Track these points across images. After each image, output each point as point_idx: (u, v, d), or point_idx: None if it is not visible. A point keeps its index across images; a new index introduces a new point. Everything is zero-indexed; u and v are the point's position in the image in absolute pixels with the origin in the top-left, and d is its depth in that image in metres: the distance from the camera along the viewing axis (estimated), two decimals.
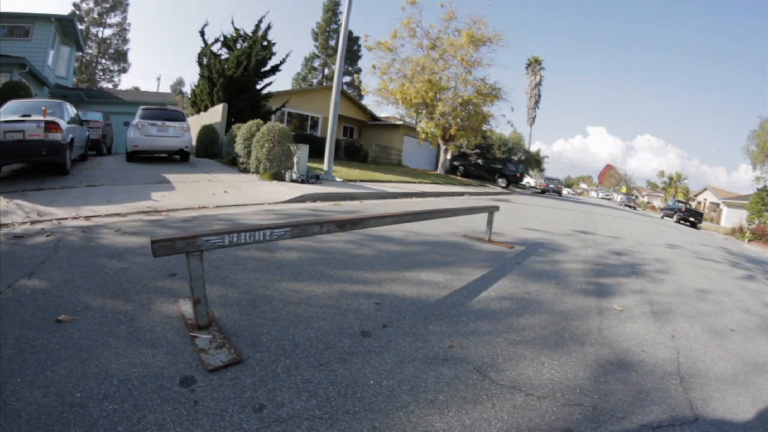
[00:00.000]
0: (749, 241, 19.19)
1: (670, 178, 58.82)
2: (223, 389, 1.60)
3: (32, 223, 4.05)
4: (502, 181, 24.43)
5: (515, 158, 38.51)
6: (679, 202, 29.30)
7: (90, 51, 42.21)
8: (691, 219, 24.39)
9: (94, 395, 1.49)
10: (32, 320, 2.01)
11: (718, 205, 38.99)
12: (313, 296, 2.70)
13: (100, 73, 44.58)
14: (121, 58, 45.09)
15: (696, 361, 2.57)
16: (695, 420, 1.86)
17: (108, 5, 43.25)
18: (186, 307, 2.22)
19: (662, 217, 28.01)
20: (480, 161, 24.99)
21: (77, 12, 40.87)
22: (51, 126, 6.44)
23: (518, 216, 9.52)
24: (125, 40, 45.20)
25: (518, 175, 25.03)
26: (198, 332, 1.94)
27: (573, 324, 2.83)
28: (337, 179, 10.90)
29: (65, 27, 19.10)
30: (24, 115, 6.69)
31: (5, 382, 1.52)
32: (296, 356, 1.92)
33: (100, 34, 43.53)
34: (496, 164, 25.51)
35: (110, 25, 44.05)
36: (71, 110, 8.68)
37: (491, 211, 5.20)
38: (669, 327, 3.11)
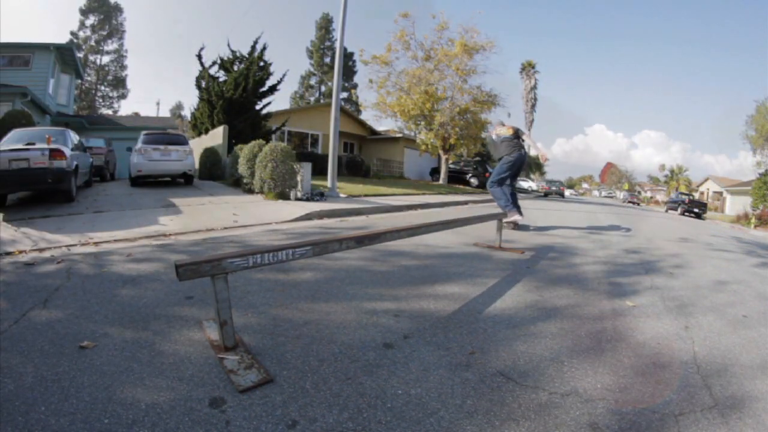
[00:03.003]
0: (755, 227, 19.17)
1: (672, 171, 58.67)
2: (254, 408, 1.60)
3: (41, 250, 4.07)
4: (474, 181, 25.65)
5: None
6: (682, 194, 29.30)
7: (89, 78, 42.90)
8: (696, 210, 24.36)
9: (123, 421, 1.49)
10: (51, 348, 2.02)
11: (721, 193, 38.99)
12: (332, 312, 2.71)
13: (100, 100, 45.27)
14: (119, 84, 45.82)
15: (711, 349, 2.58)
16: (715, 406, 1.89)
17: (105, 33, 44.02)
18: (210, 329, 2.23)
19: (666, 211, 27.99)
20: (452, 165, 25.65)
21: (75, 40, 41.65)
22: (55, 153, 6.51)
23: (525, 220, 9.51)
24: (123, 66, 46.01)
25: (487, 174, 25.78)
26: (225, 353, 1.95)
27: (588, 323, 2.84)
28: (342, 195, 10.95)
29: (64, 55, 19.46)
30: (28, 144, 6.78)
31: (29, 411, 1.51)
32: (323, 371, 1.92)
33: (98, 62, 44.30)
34: (467, 166, 26.76)
35: (108, 52, 44.90)
36: (74, 137, 8.79)
37: (500, 218, 5.22)
38: (683, 319, 3.10)
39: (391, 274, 3.77)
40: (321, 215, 7.54)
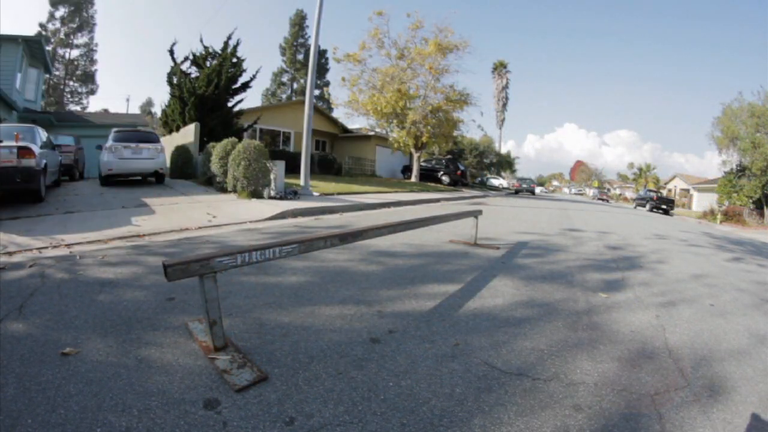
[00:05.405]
0: (721, 222, 20.27)
1: (640, 169, 60.46)
2: (249, 407, 1.62)
3: (10, 254, 3.91)
4: (445, 179, 25.80)
5: (487, 161, 39.36)
6: (650, 191, 30.38)
7: (57, 73, 40.80)
8: (663, 206, 25.26)
9: (116, 429, 1.46)
10: (31, 356, 1.96)
11: (688, 190, 40.64)
12: (317, 310, 2.74)
13: (69, 96, 43.17)
14: (89, 79, 43.84)
15: (681, 335, 2.78)
16: (687, 386, 2.04)
17: (75, 25, 42.05)
18: (196, 330, 2.21)
19: (635, 207, 29.00)
20: (423, 163, 25.87)
21: (44, 33, 39.63)
22: (24, 152, 6.22)
23: (497, 217, 9.75)
24: (93, 61, 43.99)
25: (459, 173, 26.29)
26: (216, 354, 1.95)
27: (565, 315, 2.99)
28: (315, 194, 10.90)
29: (33, 48, 18.48)
30: None
31: (15, 425, 1.45)
32: (314, 367, 1.95)
33: (67, 56, 42.24)
34: (439, 164, 26.86)
35: (77, 46, 42.83)
36: (43, 135, 8.39)
37: (476, 215, 5.34)
38: (653, 310, 3.29)
39: (371, 273, 3.82)
40: (295, 214, 7.53)
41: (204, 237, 5.09)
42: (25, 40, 17.57)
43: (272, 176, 9.46)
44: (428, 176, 25.72)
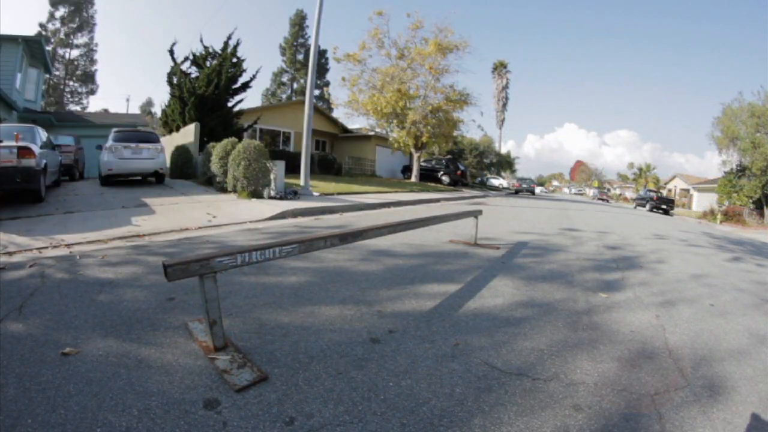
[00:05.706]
0: (721, 222, 20.29)
1: (640, 169, 60.35)
2: (249, 407, 1.62)
3: (10, 254, 3.91)
4: (445, 179, 25.86)
5: (487, 161, 39.35)
6: (650, 191, 30.39)
7: (57, 73, 40.80)
8: (663, 206, 25.25)
9: (116, 429, 1.46)
10: (32, 355, 1.96)
11: (688, 190, 40.63)
12: (317, 310, 2.74)
13: (68, 96, 43.18)
14: (89, 79, 43.85)
15: (681, 335, 2.78)
16: (687, 386, 2.05)
17: (75, 25, 42.07)
18: (196, 330, 2.21)
19: (635, 207, 29.01)
20: (423, 163, 25.87)
21: (44, 32, 39.66)
22: (24, 152, 6.21)
23: (497, 217, 9.75)
24: (93, 61, 44.02)
25: (459, 173, 26.31)
26: (216, 354, 1.95)
27: (565, 315, 2.99)
28: (315, 194, 10.91)
29: (33, 49, 18.50)
30: None
31: (15, 425, 1.45)
32: (314, 367, 1.96)
33: (67, 55, 42.26)
34: (439, 164, 26.89)
35: (77, 46, 42.85)
36: (43, 135, 8.39)
37: (476, 215, 5.34)
38: (653, 309, 3.29)
39: (371, 273, 3.82)
40: (295, 214, 7.53)
41: (204, 237, 5.08)
42: (25, 40, 17.58)
43: (272, 176, 9.47)
44: (428, 176, 25.71)
